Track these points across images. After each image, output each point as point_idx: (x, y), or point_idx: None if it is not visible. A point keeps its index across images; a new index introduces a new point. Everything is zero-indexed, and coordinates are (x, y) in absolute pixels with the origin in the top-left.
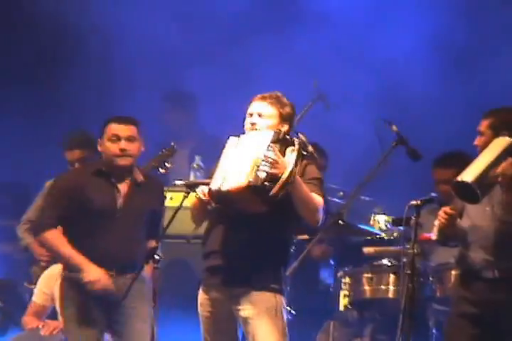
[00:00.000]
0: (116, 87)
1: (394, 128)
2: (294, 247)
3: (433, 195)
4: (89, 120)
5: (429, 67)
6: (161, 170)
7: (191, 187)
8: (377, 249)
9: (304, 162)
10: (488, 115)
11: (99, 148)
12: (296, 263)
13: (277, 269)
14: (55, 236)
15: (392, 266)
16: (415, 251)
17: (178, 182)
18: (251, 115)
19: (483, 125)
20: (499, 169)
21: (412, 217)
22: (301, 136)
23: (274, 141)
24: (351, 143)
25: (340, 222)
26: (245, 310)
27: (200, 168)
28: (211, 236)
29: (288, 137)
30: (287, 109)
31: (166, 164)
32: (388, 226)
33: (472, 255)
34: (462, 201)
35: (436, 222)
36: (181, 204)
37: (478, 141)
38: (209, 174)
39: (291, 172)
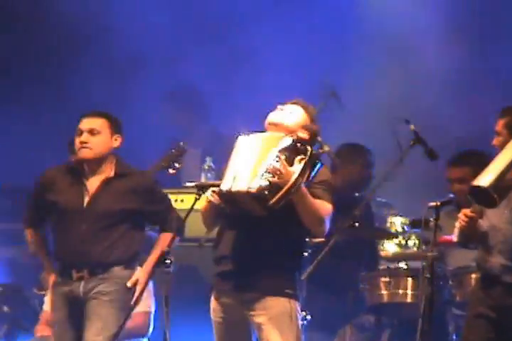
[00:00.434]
0: (126, 86)
1: (411, 127)
2: (309, 251)
3: (451, 196)
4: None
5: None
6: (171, 171)
7: (202, 188)
8: (395, 251)
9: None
10: (504, 114)
11: None
12: (311, 267)
13: (291, 274)
14: (29, 236)
15: (410, 269)
16: (434, 254)
17: (189, 184)
18: (277, 110)
19: (499, 124)
20: None
21: (431, 219)
22: (326, 147)
23: (284, 149)
24: (366, 143)
25: (355, 223)
26: (259, 315)
27: (211, 169)
28: (222, 240)
29: (299, 145)
30: (312, 116)
31: (176, 164)
32: (405, 228)
33: (491, 259)
34: (480, 205)
35: (457, 224)
36: (193, 207)
37: (495, 141)
38: (220, 175)
39: (294, 183)
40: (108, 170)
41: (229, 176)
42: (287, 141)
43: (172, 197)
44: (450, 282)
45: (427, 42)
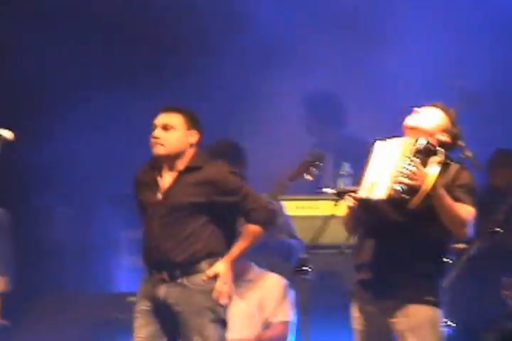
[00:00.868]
0: (255, 93)
1: None
2: (452, 257)
3: None
4: (233, 132)
5: None
6: (309, 177)
7: (341, 194)
8: None
9: (457, 167)
10: None
11: None
12: (453, 273)
13: (432, 280)
14: None
15: None
16: None
17: (326, 190)
18: (414, 113)
19: None
20: None
21: None
22: (468, 153)
23: (418, 151)
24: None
25: (499, 229)
26: (400, 323)
27: (348, 174)
28: (362, 247)
29: (432, 147)
30: (452, 119)
31: (313, 170)
32: None
33: None
34: None
35: None
36: (331, 213)
37: None
38: (357, 181)
39: (431, 184)
40: (183, 165)
41: (367, 183)
42: (422, 143)
43: (308, 204)
44: None
45: None
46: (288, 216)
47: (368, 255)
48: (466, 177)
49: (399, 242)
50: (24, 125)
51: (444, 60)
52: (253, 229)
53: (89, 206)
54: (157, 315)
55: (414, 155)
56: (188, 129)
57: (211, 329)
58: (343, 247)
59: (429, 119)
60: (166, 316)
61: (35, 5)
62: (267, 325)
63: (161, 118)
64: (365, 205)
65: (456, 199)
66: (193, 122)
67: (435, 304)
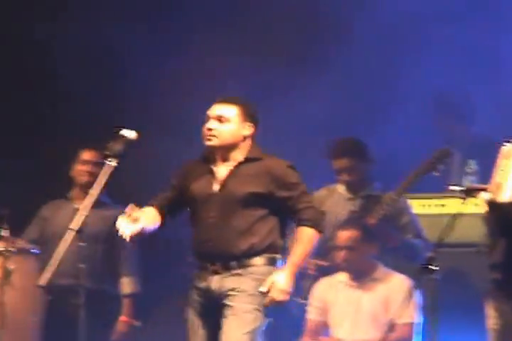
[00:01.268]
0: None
1: None
2: None
3: None
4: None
5: None
6: (436, 173)
7: (469, 192)
8: None
9: None
10: None
11: None
12: None
13: None
14: None
15: None
16: None
17: (453, 188)
18: None
19: None
20: None
21: None
22: None
23: None
24: None
25: None
26: None
27: (474, 172)
28: (495, 246)
29: None
30: None
31: (440, 167)
32: None
33: None
34: None
35: None
36: (459, 211)
37: None
38: (485, 179)
39: None
40: (239, 157)
41: (493, 184)
42: None
43: (434, 202)
44: None
45: None
46: (414, 215)
47: (501, 254)
48: None
49: None
50: None
51: None
52: (306, 231)
53: None
54: (209, 314)
55: None
56: (243, 122)
57: (257, 317)
58: (479, 246)
59: None
60: (216, 309)
61: None
62: (391, 327)
63: (216, 110)
64: (492, 205)
65: None
66: (249, 114)
67: None
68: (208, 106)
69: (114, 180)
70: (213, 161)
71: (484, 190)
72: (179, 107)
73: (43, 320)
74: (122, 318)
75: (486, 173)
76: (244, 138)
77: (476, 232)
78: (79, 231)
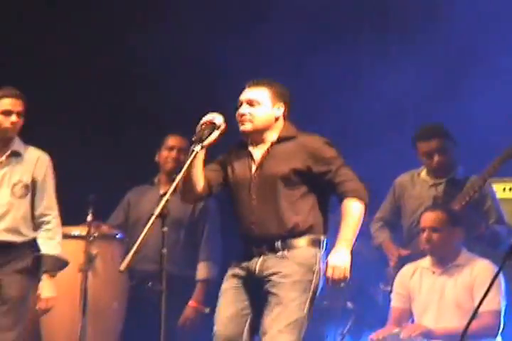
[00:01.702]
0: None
1: None
2: None
3: None
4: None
5: None
6: None
7: None
8: None
9: None
10: None
11: None
12: None
13: None
14: None
15: None
16: None
17: None
18: None
19: None
20: None
21: None
22: None
23: None
24: None
25: None
26: None
27: None
28: None
29: None
30: None
31: None
32: None
33: None
34: None
35: None
36: None
37: None
38: None
39: None
40: (273, 137)
41: None
42: None
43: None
44: None
45: None
46: (497, 200)
47: None
48: None
49: None
50: None
51: None
52: (350, 203)
53: None
54: (245, 292)
55: None
56: (275, 103)
57: (302, 303)
58: None
59: None
60: (255, 291)
61: None
62: (474, 314)
63: (247, 94)
64: None
65: None
66: (279, 95)
67: None
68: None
69: None
70: (250, 144)
71: None
72: None
73: (126, 305)
74: (191, 303)
75: None
76: (277, 118)
77: None
78: (162, 217)
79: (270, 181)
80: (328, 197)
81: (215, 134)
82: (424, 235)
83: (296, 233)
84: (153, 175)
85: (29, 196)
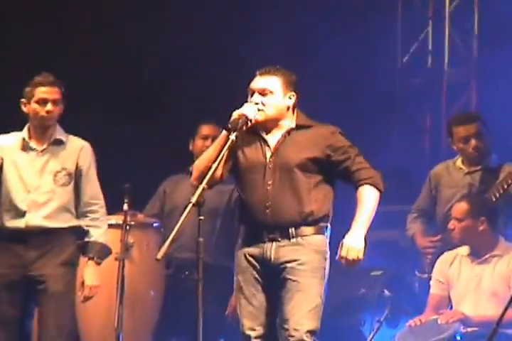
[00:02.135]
0: None
1: None
2: None
3: None
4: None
5: None
6: None
7: None
8: None
9: None
10: None
11: None
12: None
13: None
14: None
15: None
16: None
17: None
18: None
19: None
20: None
21: None
22: None
23: None
24: None
25: None
26: None
27: None
28: None
29: None
30: None
31: None
32: None
33: None
34: None
35: None
36: None
37: None
38: None
39: None
40: (288, 124)
41: None
42: None
43: None
44: None
45: None
46: None
47: None
48: None
49: None
50: None
51: None
52: (367, 190)
53: None
54: (263, 282)
55: None
56: (286, 92)
57: (320, 290)
58: None
59: None
60: (271, 279)
61: None
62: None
63: (258, 83)
64: None
65: None
66: (291, 84)
67: None
68: None
69: None
70: (262, 130)
71: None
72: None
73: (162, 294)
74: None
75: None
76: (288, 107)
77: None
78: (199, 205)
79: (287, 168)
80: (335, 189)
81: (247, 126)
82: (449, 225)
83: (311, 221)
84: (188, 164)
85: (72, 184)
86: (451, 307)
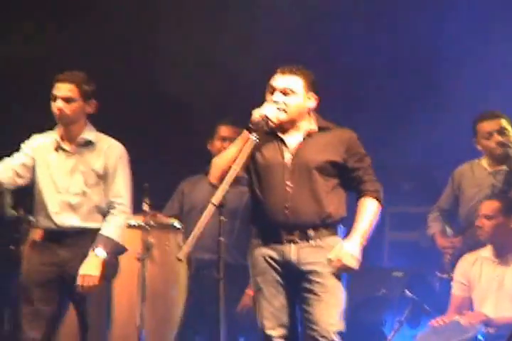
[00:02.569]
0: None
1: None
2: None
3: None
4: None
5: None
6: None
7: None
8: None
9: None
10: None
11: None
12: None
13: None
14: None
15: None
16: None
17: None
18: None
19: None
20: None
21: None
22: None
23: None
24: None
25: None
26: None
27: None
28: None
29: None
30: None
31: None
32: None
33: None
34: None
35: None
36: None
37: None
38: None
39: None
40: (308, 125)
41: None
42: None
43: None
44: None
45: None
46: None
47: None
48: None
49: None
50: None
51: None
52: (372, 202)
53: None
54: (284, 283)
55: None
56: (308, 92)
57: (344, 291)
58: None
59: None
60: (293, 281)
61: None
62: None
63: (280, 81)
64: None
65: None
66: (312, 85)
67: None
68: None
69: None
70: (280, 131)
71: None
72: None
73: (184, 293)
74: (248, 291)
75: None
76: (308, 108)
77: None
78: (220, 206)
79: (306, 170)
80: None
81: (268, 126)
82: (477, 222)
83: (329, 222)
84: (207, 165)
85: (102, 185)
86: (473, 309)
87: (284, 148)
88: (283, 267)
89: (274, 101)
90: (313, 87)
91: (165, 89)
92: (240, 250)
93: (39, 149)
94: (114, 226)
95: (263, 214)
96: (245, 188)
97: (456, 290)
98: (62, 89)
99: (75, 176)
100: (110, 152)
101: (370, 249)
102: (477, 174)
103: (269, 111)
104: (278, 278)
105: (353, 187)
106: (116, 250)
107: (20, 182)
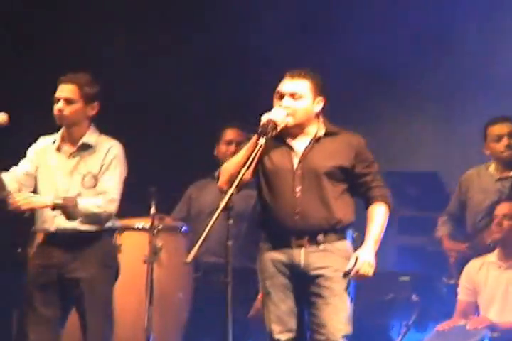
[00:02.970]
0: None
1: None
2: None
3: None
4: None
5: None
6: None
7: None
8: None
9: None
10: None
11: None
12: None
13: None
14: None
15: None
16: None
17: None
18: None
19: None
20: None
21: None
22: None
23: None
24: None
25: None
26: None
27: None
28: None
29: None
30: None
31: None
32: None
33: None
34: None
35: None
36: None
37: None
38: None
39: None
40: (315, 130)
41: None
42: None
43: None
44: None
45: None
46: None
47: None
48: None
49: None
50: None
51: None
52: (382, 207)
53: None
54: (293, 287)
55: None
56: (316, 97)
57: (350, 295)
58: None
59: None
60: (301, 285)
61: None
62: None
63: (288, 86)
64: None
65: None
66: (320, 88)
67: None
68: None
69: None
70: (287, 136)
71: None
72: None
73: (191, 296)
74: (260, 296)
75: None
76: (316, 113)
77: None
78: (228, 209)
79: (315, 175)
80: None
81: (276, 131)
82: (495, 221)
83: (339, 228)
84: (213, 169)
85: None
86: (479, 314)
87: (292, 153)
88: (291, 271)
89: (283, 106)
90: (321, 90)
91: (172, 92)
92: (246, 253)
93: (41, 151)
94: (88, 200)
95: (272, 219)
96: (252, 191)
97: (462, 295)
98: (64, 90)
99: (73, 178)
100: (109, 153)
101: (377, 253)
102: (484, 180)
103: (278, 115)
104: (286, 282)
105: (361, 193)
106: (73, 213)
107: (27, 190)
